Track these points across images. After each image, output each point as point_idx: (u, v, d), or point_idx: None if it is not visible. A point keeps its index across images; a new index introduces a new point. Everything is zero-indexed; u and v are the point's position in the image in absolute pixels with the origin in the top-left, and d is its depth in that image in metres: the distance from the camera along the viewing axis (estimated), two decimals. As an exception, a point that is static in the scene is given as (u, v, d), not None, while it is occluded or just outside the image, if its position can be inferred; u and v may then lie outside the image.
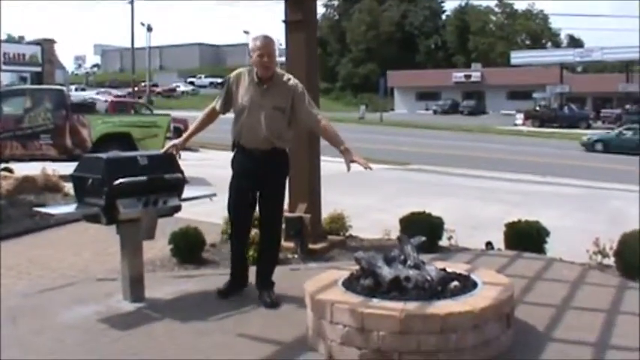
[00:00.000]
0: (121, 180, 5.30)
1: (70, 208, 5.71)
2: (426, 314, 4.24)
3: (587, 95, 69.79)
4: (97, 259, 7.80)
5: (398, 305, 4.33)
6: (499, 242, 8.30)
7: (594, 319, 5.26)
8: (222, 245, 8.30)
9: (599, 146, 37.19)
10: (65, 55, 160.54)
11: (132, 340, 4.91)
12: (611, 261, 7.52)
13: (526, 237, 7.82)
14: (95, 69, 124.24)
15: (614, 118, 55.97)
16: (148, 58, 73.34)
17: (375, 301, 4.43)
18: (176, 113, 31.61)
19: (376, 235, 9.05)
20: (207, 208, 7.42)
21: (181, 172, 5.86)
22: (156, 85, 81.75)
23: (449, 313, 4.23)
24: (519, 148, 35.07)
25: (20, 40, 53.75)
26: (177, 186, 5.82)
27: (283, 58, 8.11)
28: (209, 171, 16.95)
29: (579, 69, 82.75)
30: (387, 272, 4.64)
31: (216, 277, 6.70)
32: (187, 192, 6.15)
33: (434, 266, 4.91)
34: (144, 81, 73.97)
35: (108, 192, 5.27)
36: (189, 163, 20.29)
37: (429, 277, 4.64)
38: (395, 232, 8.73)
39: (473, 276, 5.02)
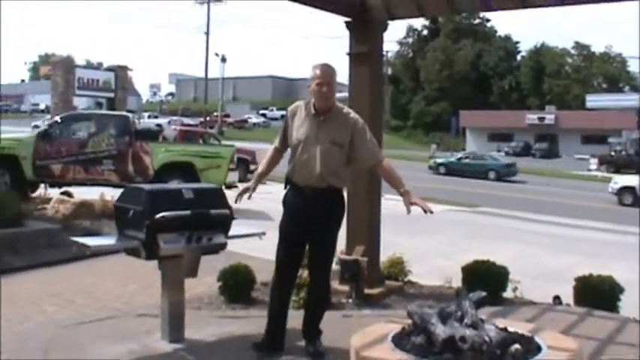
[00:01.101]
0: (163, 213, 5.02)
1: (110, 240, 5.44)
2: (482, 382, 3.80)
3: (666, 142, 67.79)
4: (143, 292, 7.56)
5: (451, 369, 3.90)
6: (568, 296, 7.76)
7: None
8: (274, 284, 7.97)
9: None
10: (141, 83, 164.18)
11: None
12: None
13: (598, 293, 7.27)
14: (169, 97, 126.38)
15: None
16: (221, 88, 74.16)
17: (426, 363, 4.01)
18: (246, 145, 31.68)
19: (436, 281, 8.62)
20: (261, 244, 7.05)
21: (229, 207, 5.55)
22: (228, 116, 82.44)
23: (508, 382, 3.78)
24: (593, 194, 33.99)
25: (99, 67, 55.01)
26: (223, 222, 5.51)
27: (346, 94, 7.79)
28: (271, 205, 16.67)
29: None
30: (440, 330, 4.20)
31: (263, 320, 6.31)
32: (238, 228, 5.86)
33: (493, 325, 4.46)
34: (216, 111, 74.76)
35: (149, 225, 4.99)
36: (254, 195, 20.24)
37: (487, 338, 4.19)
38: (456, 280, 8.30)
39: (537, 338, 4.55)
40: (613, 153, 60.51)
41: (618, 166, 55.92)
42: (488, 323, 4.46)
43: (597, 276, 7.50)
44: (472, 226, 17.85)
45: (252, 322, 6.25)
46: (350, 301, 7.31)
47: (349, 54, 7.81)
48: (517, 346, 4.22)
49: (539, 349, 4.32)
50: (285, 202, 5.39)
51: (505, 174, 43.04)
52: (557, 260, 12.84)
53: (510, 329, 4.67)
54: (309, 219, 5.18)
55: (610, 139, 65.40)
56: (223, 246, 5.54)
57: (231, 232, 5.65)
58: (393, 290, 7.90)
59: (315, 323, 5.39)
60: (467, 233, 16.07)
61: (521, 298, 7.90)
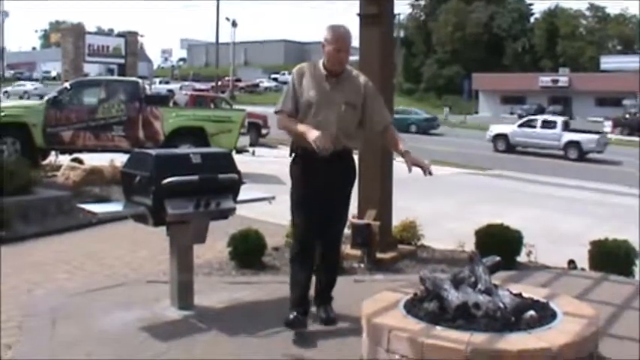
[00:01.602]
0: (170, 179, 4.92)
1: (117, 206, 5.35)
2: (496, 350, 3.69)
3: (681, 104, 67.16)
4: (153, 258, 7.48)
5: (464, 336, 3.80)
6: (582, 260, 7.65)
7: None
8: (285, 249, 7.89)
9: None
10: (153, 49, 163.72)
11: (169, 354, 4.51)
12: None
13: (613, 257, 7.16)
14: (181, 63, 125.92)
15: None
16: (232, 53, 73.80)
17: (439, 330, 3.90)
18: (258, 109, 31.53)
19: (449, 245, 8.51)
20: (270, 208, 6.95)
21: (238, 172, 5.44)
22: (239, 80, 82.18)
23: (523, 349, 3.67)
24: (607, 157, 33.74)
25: (109, 33, 54.72)
26: (232, 187, 5.40)
27: (356, 57, 7.63)
28: (284, 169, 16.59)
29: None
30: (454, 297, 4.11)
31: (274, 285, 6.31)
32: (247, 193, 5.77)
33: (508, 291, 4.36)
34: (228, 76, 74.47)
35: (155, 191, 4.90)
36: (265, 159, 20.24)
37: (501, 305, 4.09)
38: (470, 244, 8.20)
39: (552, 304, 4.45)
40: (627, 115, 59.95)
41: (632, 128, 55.42)
42: (502, 289, 4.37)
43: (613, 240, 7.37)
44: (483, 189, 17.70)
45: (263, 288, 6.19)
46: (362, 265, 7.22)
47: (359, 15, 7.64)
48: (532, 312, 4.13)
49: (554, 315, 4.22)
50: (295, 169, 5.13)
51: (426, 127, 46.12)
52: (571, 223, 12.72)
53: (525, 295, 4.58)
54: (324, 183, 5.00)
55: (625, 102, 64.81)
56: (232, 211, 5.44)
57: (240, 197, 5.55)
58: (406, 255, 7.80)
59: (328, 289, 5.31)
60: (478, 196, 15.94)
61: (535, 262, 7.78)
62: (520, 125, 37.17)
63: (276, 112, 5.14)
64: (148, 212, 4.99)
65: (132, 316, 5.17)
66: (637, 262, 7.27)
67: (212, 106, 26.03)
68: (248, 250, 7.09)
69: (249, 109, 22.73)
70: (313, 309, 5.24)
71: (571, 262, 7.62)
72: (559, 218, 13.23)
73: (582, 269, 7.46)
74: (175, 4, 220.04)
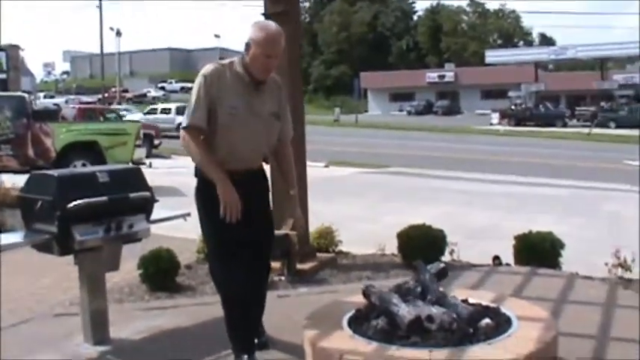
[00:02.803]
0: (76, 202, 4.40)
1: (16, 237, 4.74)
2: (461, 368, 3.39)
3: (561, 93, 69.59)
4: (57, 286, 6.88)
5: (423, 355, 3.47)
6: (504, 254, 7.49)
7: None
8: (198, 266, 7.44)
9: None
10: (34, 62, 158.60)
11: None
12: (633, 274, 6.79)
13: (539, 250, 7.00)
14: (65, 76, 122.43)
15: (589, 115, 55.72)
16: (117, 63, 72.08)
17: (394, 350, 3.57)
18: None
19: (367, 249, 8.22)
20: (178, 222, 6.42)
21: (149, 189, 4.95)
22: (126, 91, 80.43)
23: (489, 364, 3.39)
24: (498, 148, 34.40)
25: (-13, 47, 52.47)
26: (145, 206, 4.92)
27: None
28: (181, 180, 16.03)
29: (551, 67, 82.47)
30: (405, 311, 3.78)
31: (192, 309, 5.86)
32: (160, 211, 5.30)
33: (458, 299, 4.07)
34: (114, 87, 72.71)
35: (60, 217, 4.37)
36: (160, 171, 19.57)
37: (455, 315, 3.79)
38: (389, 246, 7.94)
39: (503, 309, 4.19)
40: (513, 107, 61.72)
41: (519, 119, 57.05)
42: (452, 298, 4.07)
43: (537, 233, 7.23)
44: (386, 187, 17.56)
45: (181, 313, 5.72)
46: (282, 278, 6.83)
47: (264, 14, 7.24)
48: (487, 320, 3.84)
49: (509, 321, 3.95)
50: (203, 198, 4.28)
51: None
52: (481, 217, 12.67)
53: (471, 300, 4.30)
54: (249, 209, 4.17)
55: (510, 93, 66.72)
56: (146, 232, 4.96)
57: (153, 216, 5.07)
58: (326, 263, 7.46)
59: (261, 313, 4.67)
60: (382, 195, 15.77)
61: (459, 261, 7.58)
62: None
63: (184, 129, 4.19)
64: (54, 241, 4.45)
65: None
66: (562, 253, 7.14)
67: (102, 119, 25.12)
68: (160, 271, 6.59)
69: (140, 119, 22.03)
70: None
71: (496, 258, 7.44)
72: (467, 213, 13.16)
73: (508, 264, 7.29)
74: (56, 14, 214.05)
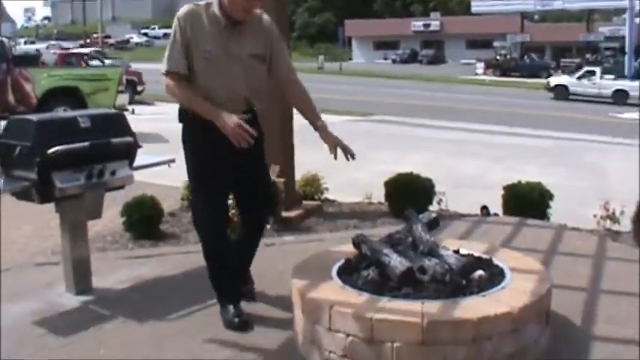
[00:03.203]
0: (56, 147, 4.24)
1: (-6, 183, 4.58)
2: (455, 320, 3.28)
3: (547, 45, 69.33)
4: (38, 234, 6.75)
5: (416, 307, 3.37)
6: (491, 204, 7.42)
7: (637, 309, 4.39)
8: (182, 214, 7.32)
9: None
10: (14, 8, 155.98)
11: (75, 351, 3.90)
12: (621, 227, 6.76)
13: (528, 201, 6.92)
14: (46, 21, 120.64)
15: (574, 67, 55.54)
16: (99, 8, 70.94)
17: (386, 301, 3.46)
18: (132, 65, 30.29)
19: (354, 197, 8.12)
20: (160, 168, 6.25)
21: (132, 134, 4.79)
22: (109, 37, 79.30)
23: (483, 316, 3.29)
24: (483, 98, 34.27)
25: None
26: (127, 152, 4.76)
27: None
28: (165, 126, 15.81)
29: (537, 18, 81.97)
30: (397, 262, 3.67)
31: (177, 257, 5.75)
32: (143, 157, 5.14)
33: (450, 250, 3.97)
34: (96, 33, 71.68)
35: (40, 163, 4.21)
36: (144, 117, 19.30)
37: (447, 267, 3.70)
38: (377, 194, 7.85)
39: (495, 260, 4.09)
40: (498, 57, 61.40)
41: (504, 69, 56.81)
42: (444, 248, 3.98)
43: (526, 183, 7.14)
44: (371, 135, 17.42)
45: (165, 261, 5.61)
46: (268, 226, 6.69)
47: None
48: (481, 272, 3.75)
49: (502, 273, 3.86)
50: (190, 141, 4.11)
51: None
52: (467, 166, 12.63)
53: (463, 250, 4.21)
54: (233, 156, 3.97)
55: (495, 44, 66.37)
56: (129, 179, 4.82)
57: (136, 162, 4.92)
58: (312, 211, 7.35)
59: (249, 263, 4.57)
60: (368, 143, 15.62)
61: (447, 210, 7.50)
62: None
63: (163, 75, 3.97)
64: (33, 188, 4.30)
65: (24, 309, 4.48)
66: (551, 204, 7.07)
67: (84, 65, 24.71)
68: (144, 219, 6.47)
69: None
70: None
71: (484, 208, 7.35)
72: (453, 162, 13.11)
73: (496, 215, 7.21)
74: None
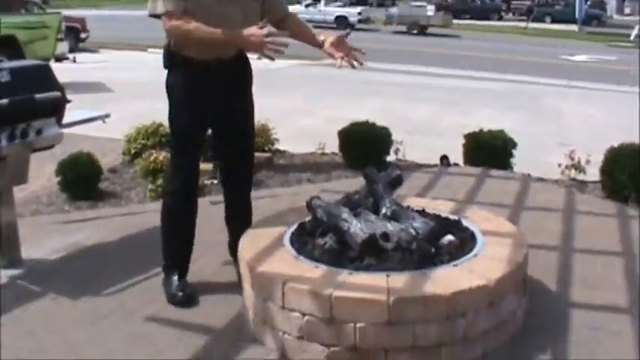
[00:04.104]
0: (-29, 105, 3.75)
1: None
2: (425, 296, 2.91)
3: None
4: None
5: (380, 281, 2.99)
6: (448, 151, 7.10)
7: (613, 269, 4.10)
8: (123, 169, 6.87)
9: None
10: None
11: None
12: (586, 176, 6.50)
13: (489, 150, 6.59)
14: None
15: (525, 9, 55.38)
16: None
17: (345, 275, 3.08)
18: (74, 12, 29.14)
19: (306, 147, 7.71)
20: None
21: (60, 88, 4.29)
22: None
23: (457, 291, 2.93)
24: (434, 40, 33.85)
25: None
26: (55, 108, 4.26)
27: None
28: (109, 75, 15.21)
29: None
30: (357, 229, 3.27)
31: (117, 220, 5.31)
32: (74, 113, 4.68)
33: (415, 213, 3.59)
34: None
35: (-47, 123, 3.72)
36: (87, 66, 18.56)
37: (413, 232, 3.32)
38: (330, 144, 7.46)
39: (464, 221, 3.74)
40: (449, -1, 60.79)
41: (454, 11, 56.27)
42: (408, 210, 3.60)
43: (488, 131, 6.80)
44: (322, 80, 16.89)
45: (105, 225, 5.17)
46: (214, 182, 6.26)
47: None
48: (450, 237, 3.38)
49: (473, 237, 3.50)
50: (178, 86, 3.76)
51: None
52: (422, 112, 12.25)
53: (428, 210, 3.84)
54: (223, 101, 3.79)
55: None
56: (58, 138, 4.34)
57: (66, 119, 4.44)
58: (262, 163, 6.91)
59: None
60: (320, 89, 15.17)
61: (404, 160, 7.14)
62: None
63: (162, 15, 3.58)
64: (-54, 151, 3.82)
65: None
66: (515, 152, 6.75)
67: (23, 11, 23.61)
68: (80, 178, 5.99)
69: (65, 12, 20.74)
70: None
71: (444, 158, 6.99)
72: (407, 107, 12.70)
73: (456, 164, 6.87)
74: None
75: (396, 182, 3.79)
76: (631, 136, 6.73)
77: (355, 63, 3.74)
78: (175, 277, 3.86)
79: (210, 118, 3.85)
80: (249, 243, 3.53)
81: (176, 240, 3.94)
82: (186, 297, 3.77)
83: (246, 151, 4.14)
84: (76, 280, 4.08)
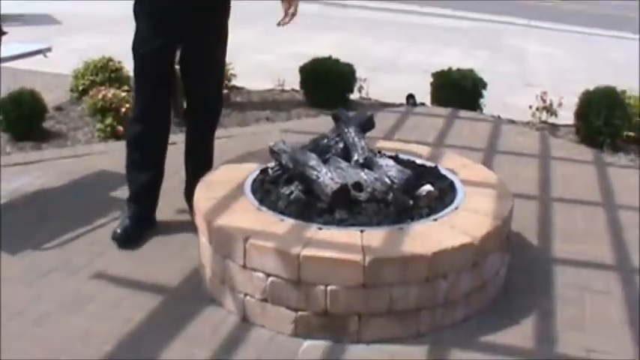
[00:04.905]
0: None
1: None
2: (404, 257, 2.61)
3: None
4: None
5: (353, 237, 2.68)
6: (412, 89, 6.74)
7: (595, 221, 3.85)
8: (70, 107, 6.42)
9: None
10: None
11: None
12: (557, 119, 6.23)
13: (459, 89, 6.28)
14: None
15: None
16: None
17: (314, 230, 2.76)
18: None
19: (264, 83, 7.32)
20: (49, 53, 5.31)
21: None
22: None
23: (440, 250, 2.63)
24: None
25: None
26: (-12, 40, 3.85)
27: None
28: (57, 5, 14.50)
29: None
30: (326, 178, 2.94)
31: (62, 163, 4.89)
32: (11, 46, 4.24)
33: (390, 159, 3.26)
34: None
35: None
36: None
37: (389, 181, 3.00)
38: (289, 80, 7.08)
39: (441, 168, 3.43)
40: None
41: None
42: (381, 156, 3.28)
43: (457, 70, 6.47)
44: (276, 14, 16.37)
45: (50, 168, 4.75)
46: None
47: None
48: (429, 187, 3.06)
49: (452, 186, 3.20)
50: (143, 9, 3.54)
51: None
52: (383, 48, 11.83)
53: (402, 156, 3.53)
54: (192, 26, 3.58)
55: None
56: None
57: (2, 53, 4.02)
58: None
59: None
60: (274, 22, 14.66)
61: (368, 98, 6.80)
62: None
63: None
64: None
65: None
66: (484, 92, 6.45)
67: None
68: (23, 117, 5.54)
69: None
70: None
71: (410, 97, 6.64)
72: (366, 43, 12.26)
73: (422, 104, 6.54)
74: None
75: (368, 125, 3.46)
76: (592, 77, 6.47)
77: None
78: (127, 213, 3.62)
79: (176, 34, 3.55)
80: (206, 191, 3.18)
81: (134, 170, 3.66)
82: (123, 236, 3.50)
83: (213, 85, 3.91)
84: (15, 232, 3.68)
